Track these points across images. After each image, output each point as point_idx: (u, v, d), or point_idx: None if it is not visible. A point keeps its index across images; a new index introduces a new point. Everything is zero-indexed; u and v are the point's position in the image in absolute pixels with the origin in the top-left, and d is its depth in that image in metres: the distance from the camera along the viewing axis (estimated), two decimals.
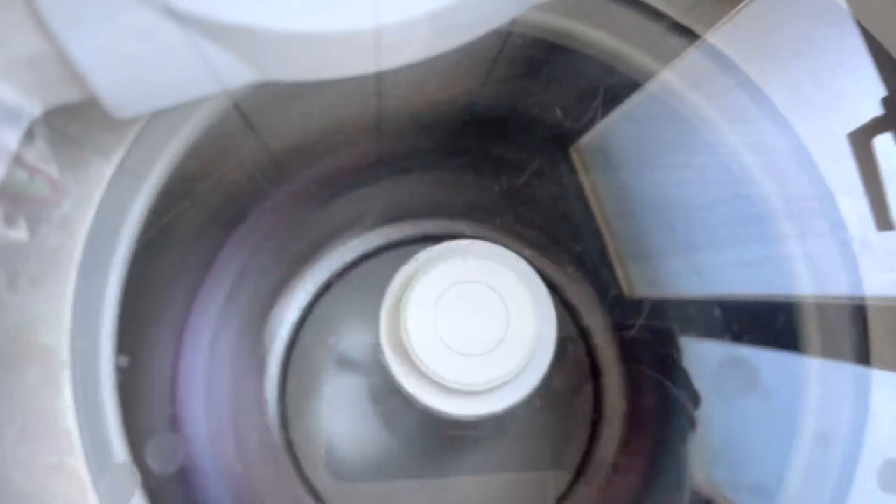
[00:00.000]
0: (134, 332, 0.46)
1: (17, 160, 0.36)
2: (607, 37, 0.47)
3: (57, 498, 0.38)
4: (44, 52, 0.33)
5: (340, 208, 0.67)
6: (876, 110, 0.41)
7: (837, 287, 0.44)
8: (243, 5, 0.32)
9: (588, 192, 0.58)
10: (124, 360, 0.44)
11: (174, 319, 0.56)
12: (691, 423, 0.55)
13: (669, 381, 0.58)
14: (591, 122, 0.53)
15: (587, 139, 0.56)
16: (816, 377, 0.45)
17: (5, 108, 0.34)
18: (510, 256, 0.53)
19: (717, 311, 0.53)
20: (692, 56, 0.45)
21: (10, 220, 0.37)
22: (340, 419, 0.67)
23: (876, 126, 0.42)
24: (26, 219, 0.39)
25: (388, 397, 0.64)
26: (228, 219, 0.58)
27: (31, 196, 0.38)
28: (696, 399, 0.55)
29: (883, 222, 0.42)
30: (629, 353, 0.65)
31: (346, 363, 0.68)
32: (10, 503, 0.38)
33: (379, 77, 0.45)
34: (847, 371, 0.44)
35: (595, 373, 0.67)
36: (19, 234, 0.38)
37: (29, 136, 0.36)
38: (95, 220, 0.41)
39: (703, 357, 0.55)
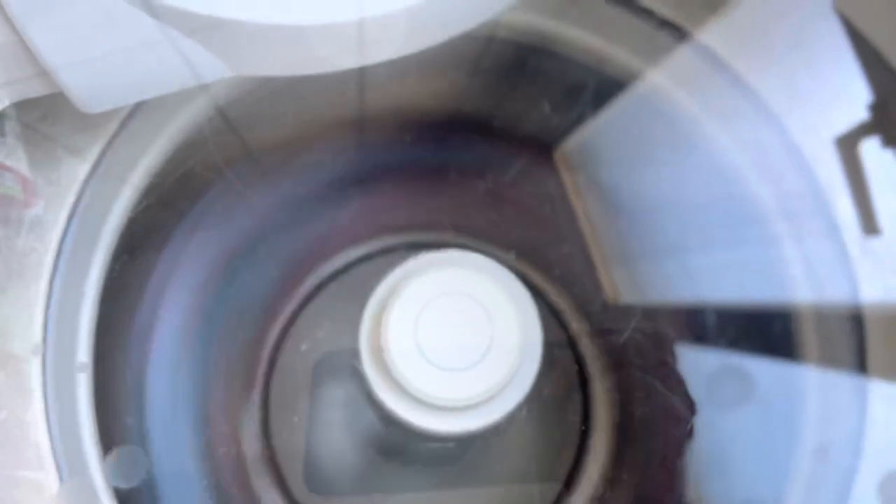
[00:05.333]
0: (108, 340, 0.45)
1: None
2: (593, 37, 0.47)
3: None
4: (7, 42, 0.33)
5: (322, 215, 0.67)
6: (863, 111, 0.42)
7: (833, 291, 0.44)
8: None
9: (574, 195, 0.58)
10: (96, 369, 0.43)
11: (148, 327, 0.55)
12: (688, 433, 0.55)
13: (663, 388, 0.58)
14: (577, 123, 0.53)
15: (573, 140, 0.55)
16: (814, 386, 0.45)
17: None
18: (494, 267, 0.52)
19: (709, 317, 0.53)
20: (680, 54, 0.45)
21: None
22: (323, 431, 0.67)
23: (863, 130, 0.42)
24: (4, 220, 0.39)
25: (372, 410, 0.63)
26: (205, 224, 0.57)
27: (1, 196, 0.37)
28: (691, 407, 0.55)
29: (869, 227, 0.42)
30: (618, 361, 0.65)
31: (329, 375, 0.67)
32: None
33: (361, 75, 0.45)
34: (845, 379, 0.43)
35: (584, 381, 0.67)
36: None
37: None
38: (68, 223, 0.40)
39: (695, 365, 0.55)
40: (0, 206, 0.38)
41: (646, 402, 0.61)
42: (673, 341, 0.57)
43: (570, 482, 0.65)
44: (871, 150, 0.42)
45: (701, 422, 0.54)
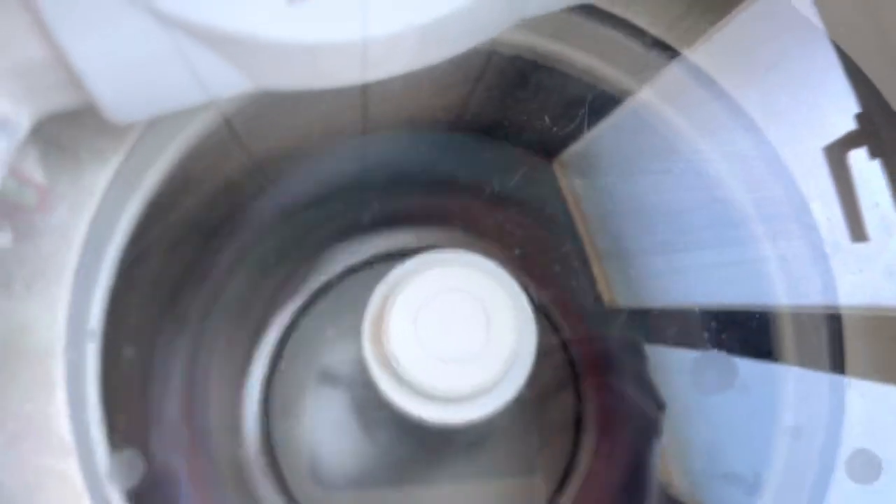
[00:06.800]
0: (121, 338, 0.47)
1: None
2: (589, 57, 0.49)
3: (50, 502, 0.39)
4: (44, 58, 0.34)
5: (326, 220, 0.68)
6: (849, 125, 0.43)
7: (810, 290, 0.45)
8: (230, 12, 0.33)
9: (571, 200, 0.59)
10: (107, 364, 0.44)
11: (157, 326, 0.56)
12: (656, 431, 0.57)
13: (635, 390, 0.59)
14: (574, 135, 0.54)
15: (571, 151, 0.57)
16: (791, 373, 0.47)
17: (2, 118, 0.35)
18: (491, 266, 0.53)
19: (694, 319, 0.54)
20: (671, 72, 0.46)
21: None
22: (324, 426, 0.68)
23: (850, 140, 0.43)
24: (21, 224, 0.40)
25: (373, 408, 0.64)
26: (215, 228, 0.59)
27: (16, 203, 0.39)
28: (661, 406, 0.57)
29: (857, 234, 0.44)
30: (602, 362, 0.66)
31: (331, 374, 0.68)
32: None
33: (365, 87, 0.45)
34: (820, 371, 0.45)
35: (575, 381, 0.68)
36: (3, 241, 0.38)
37: None
38: (90, 226, 0.42)
39: (679, 356, 0.56)
40: (16, 213, 0.39)
41: (622, 401, 0.62)
42: (643, 346, 0.58)
43: (563, 478, 0.67)
44: (857, 160, 0.43)
45: (685, 404, 0.56)
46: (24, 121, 0.36)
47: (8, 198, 0.38)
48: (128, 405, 0.51)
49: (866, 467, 0.42)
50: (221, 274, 0.62)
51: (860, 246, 0.43)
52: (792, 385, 0.46)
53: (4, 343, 0.40)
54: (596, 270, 0.61)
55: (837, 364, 0.44)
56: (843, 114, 0.43)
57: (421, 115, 0.57)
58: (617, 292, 0.61)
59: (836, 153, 0.44)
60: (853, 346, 0.44)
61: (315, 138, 0.57)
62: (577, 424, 0.67)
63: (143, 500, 0.45)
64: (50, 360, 0.40)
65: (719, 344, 0.52)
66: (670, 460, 0.57)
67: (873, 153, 0.42)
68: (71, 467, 0.39)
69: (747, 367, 0.50)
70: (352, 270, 0.70)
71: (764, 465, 0.46)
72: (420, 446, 0.66)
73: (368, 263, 0.70)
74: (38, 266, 0.41)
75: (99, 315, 0.44)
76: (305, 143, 0.57)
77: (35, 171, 0.39)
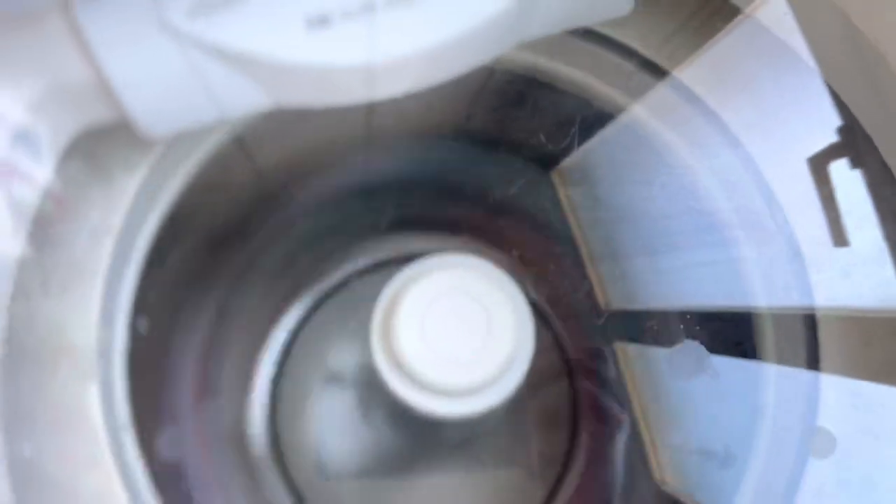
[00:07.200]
0: (146, 334, 0.49)
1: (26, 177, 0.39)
2: (584, 75, 0.51)
3: (87, 487, 0.41)
4: (85, 78, 0.36)
5: (335, 226, 0.70)
6: (831, 138, 0.45)
7: (785, 289, 0.48)
8: (253, 38, 0.35)
9: (568, 209, 0.62)
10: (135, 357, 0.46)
11: (176, 324, 0.59)
12: (619, 426, 0.60)
13: (599, 393, 0.61)
14: (571, 147, 0.57)
15: (569, 161, 0.60)
16: (763, 368, 0.49)
17: (34, 139, 0.37)
18: (492, 269, 0.55)
19: (679, 319, 0.56)
20: (660, 89, 0.49)
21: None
22: (330, 425, 0.70)
23: (832, 152, 0.45)
24: (48, 232, 0.42)
25: (379, 405, 0.66)
26: (228, 234, 0.61)
27: (35, 213, 0.40)
28: (624, 407, 0.60)
29: (839, 240, 0.46)
30: (589, 362, 0.69)
31: (338, 371, 0.70)
32: (44, 491, 0.40)
33: (371, 104, 0.47)
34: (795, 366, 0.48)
35: (571, 379, 0.70)
36: (24, 250, 0.40)
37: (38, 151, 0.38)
38: (120, 231, 0.44)
39: (657, 348, 0.59)
40: (39, 223, 0.41)
41: (600, 400, 0.65)
42: (608, 352, 0.61)
43: (563, 471, 0.69)
44: (839, 170, 0.45)
45: (664, 387, 0.58)
46: (59, 140, 0.38)
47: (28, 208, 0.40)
48: (152, 398, 0.53)
49: (823, 444, 0.44)
50: (234, 277, 0.64)
51: (820, 248, 0.46)
52: (763, 370, 0.49)
53: (44, 341, 0.42)
54: (591, 273, 0.63)
55: (812, 361, 0.47)
56: (818, 129, 0.46)
57: (425, 128, 0.59)
58: (611, 294, 0.63)
59: (819, 164, 0.46)
60: (825, 344, 0.46)
61: (323, 150, 0.59)
62: (574, 419, 0.69)
63: (162, 489, 0.46)
64: (85, 355, 0.42)
65: (706, 345, 0.54)
66: (656, 443, 0.59)
67: (853, 164, 0.45)
68: (104, 455, 0.41)
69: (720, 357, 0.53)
70: (360, 273, 0.72)
71: (734, 440, 0.49)
72: (424, 443, 0.68)
73: (376, 267, 0.72)
74: (72, 269, 0.43)
75: (128, 313, 0.46)
76: (313, 155, 0.59)
77: (53, 181, 0.40)
